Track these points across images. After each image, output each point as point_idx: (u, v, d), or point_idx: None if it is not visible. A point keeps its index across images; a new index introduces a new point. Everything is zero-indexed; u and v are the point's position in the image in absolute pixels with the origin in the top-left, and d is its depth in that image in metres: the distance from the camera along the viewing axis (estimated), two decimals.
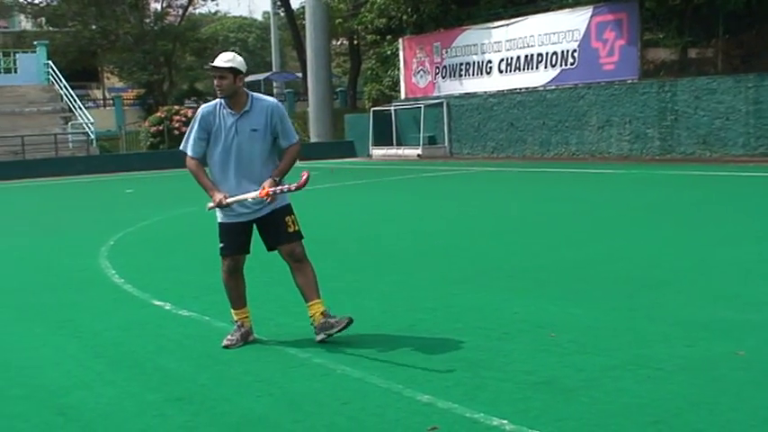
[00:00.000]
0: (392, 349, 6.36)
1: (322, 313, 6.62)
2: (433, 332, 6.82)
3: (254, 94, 6.72)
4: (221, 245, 6.72)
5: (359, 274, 9.65)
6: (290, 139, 6.72)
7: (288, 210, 6.70)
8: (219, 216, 6.72)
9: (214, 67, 6.48)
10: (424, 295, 8.32)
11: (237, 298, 6.80)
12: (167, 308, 8.18)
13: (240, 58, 6.60)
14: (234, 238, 6.66)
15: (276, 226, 6.65)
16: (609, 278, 8.78)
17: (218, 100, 6.68)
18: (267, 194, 6.36)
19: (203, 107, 6.73)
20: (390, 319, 7.36)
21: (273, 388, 5.58)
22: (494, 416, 4.81)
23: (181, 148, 6.78)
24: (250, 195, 6.46)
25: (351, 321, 6.55)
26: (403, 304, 7.94)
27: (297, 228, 6.69)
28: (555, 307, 7.51)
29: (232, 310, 6.83)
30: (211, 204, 6.56)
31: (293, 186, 6.37)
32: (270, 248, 6.79)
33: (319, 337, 6.59)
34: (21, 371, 6.31)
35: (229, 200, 6.49)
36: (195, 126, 6.65)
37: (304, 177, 6.32)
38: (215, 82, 6.51)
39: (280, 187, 6.45)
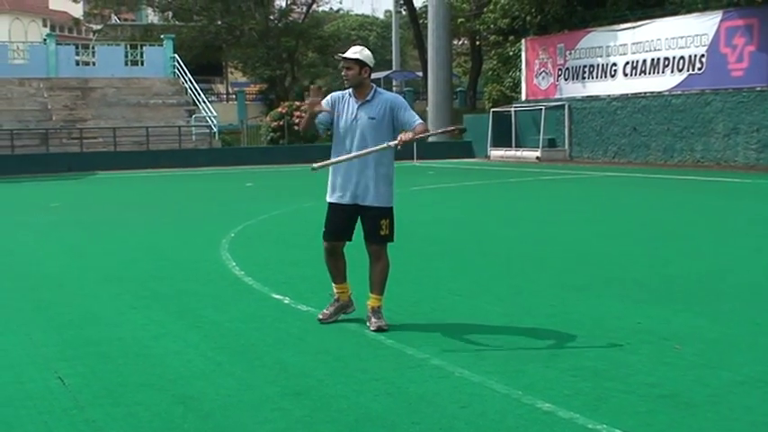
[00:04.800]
0: (511, 354, 6.29)
1: (372, 308, 7.13)
2: (551, 339, 6.72)
3: (379, 89, 7.29)
4: (324, 229, 7.30)
5: (476, 276, 9.57)
6: (413, 124, 7.06)
7: (387, 213, 7.17)
8: (328, 195, 7.26)
9: (343, 57, 7.06)
10: (542, 301, 8.20)
11: (336, 275, 7.38)
12: (286, 302, 8.25)
13: (368, 52, 7.15)
14: (335, 223, 7.20)
15: (372, 225, 7.13)
16: (735, 290, 8.53)
17: (349, 90, 7.23)
18: (401, 142, 6.86)
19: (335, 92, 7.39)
20: (508, 323, 7.28)
21: (391, 387, 5.54)
22: (617, 428, 4.69)
23: None
24: (375, 149, 6.98)
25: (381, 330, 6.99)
26: (521, 309, 7.84)
27: (387, 232, 7.16)
28: (679, 318, 7.33)
29: (332, 284, 7.41)
30: (316, 165, 7.06)
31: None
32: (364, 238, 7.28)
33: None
34: (141, 359, 6.40)
35: (343, 157, 7.07)
36: (326, 99, 7.27)
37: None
38: (342, 72, 7.09)
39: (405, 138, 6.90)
